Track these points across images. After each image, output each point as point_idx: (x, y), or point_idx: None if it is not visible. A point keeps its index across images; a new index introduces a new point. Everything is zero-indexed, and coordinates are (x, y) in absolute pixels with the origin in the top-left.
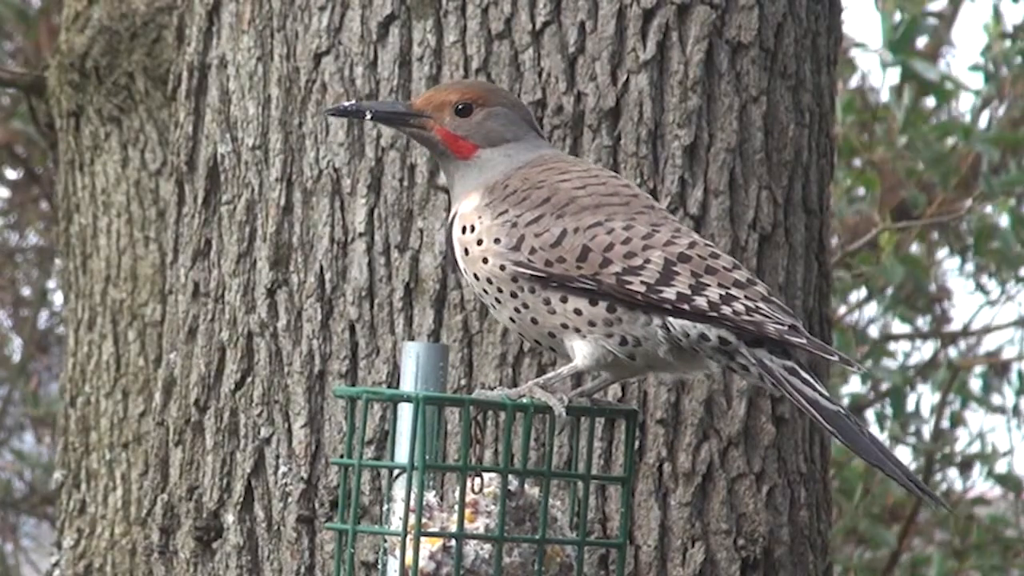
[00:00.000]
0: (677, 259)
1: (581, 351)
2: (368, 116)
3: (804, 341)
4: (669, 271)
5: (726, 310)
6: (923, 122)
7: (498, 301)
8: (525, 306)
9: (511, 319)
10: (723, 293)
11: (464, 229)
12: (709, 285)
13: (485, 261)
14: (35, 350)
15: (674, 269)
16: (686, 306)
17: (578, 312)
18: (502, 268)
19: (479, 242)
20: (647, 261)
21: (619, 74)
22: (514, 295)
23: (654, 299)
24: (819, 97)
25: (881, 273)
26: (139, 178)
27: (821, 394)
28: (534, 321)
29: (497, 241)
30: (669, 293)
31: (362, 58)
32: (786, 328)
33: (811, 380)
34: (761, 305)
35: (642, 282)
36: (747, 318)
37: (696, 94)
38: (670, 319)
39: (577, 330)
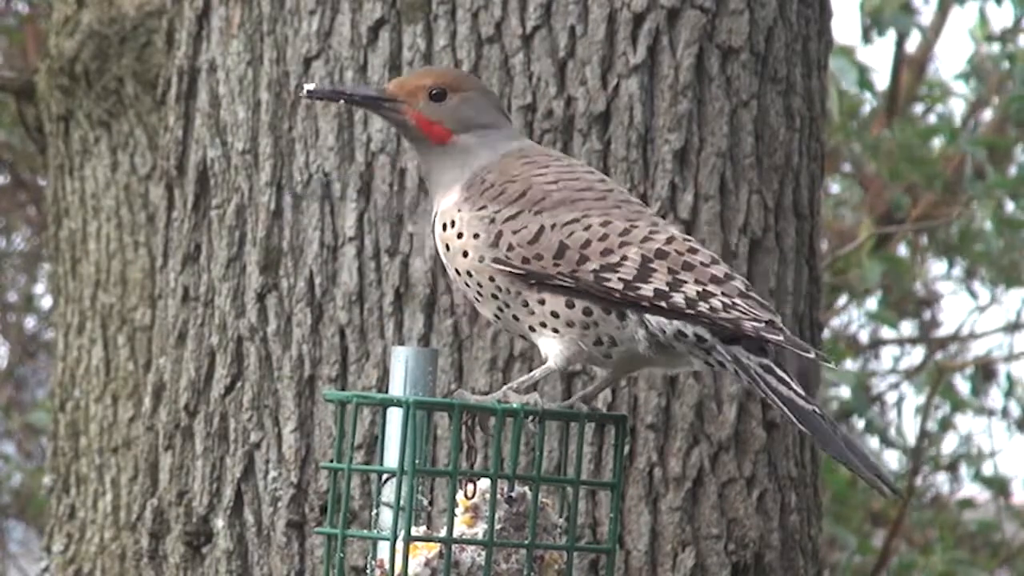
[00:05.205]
0: (654, 255)
1: (552, 351)
2: (343, 99)
3: (780, 337)
4: (646, 268)
5: (703, 307)
6: (910, 126)
7: (479, 295)
8: (507, 304)
9: (495, 315)
10: (700, 290)
11: (445, 225)
12: (686, 282)
13: (465, 255)
14: (22, 355)
15: (651, 266)
16: (663, 303)
17: (555, 315)
18: (480, 260)
19: (459, 235)
20: (624, 258)
21: (609, 78)
22: (495, 295)
23: (631, 296)
24: (809, 101)
25: (860, 275)
26: (128, 182)
27: (797, 393)
28: (515, 318)
29: (476, 236)
30: (646, 290)
31: (352, 62)
32: (763, 325)
33: (786, 379)
34: (738, 301)
35: (620, 279)
36: (724, 315)
37: (686, 98)
38: (647, 316)
39: (555, 330)
